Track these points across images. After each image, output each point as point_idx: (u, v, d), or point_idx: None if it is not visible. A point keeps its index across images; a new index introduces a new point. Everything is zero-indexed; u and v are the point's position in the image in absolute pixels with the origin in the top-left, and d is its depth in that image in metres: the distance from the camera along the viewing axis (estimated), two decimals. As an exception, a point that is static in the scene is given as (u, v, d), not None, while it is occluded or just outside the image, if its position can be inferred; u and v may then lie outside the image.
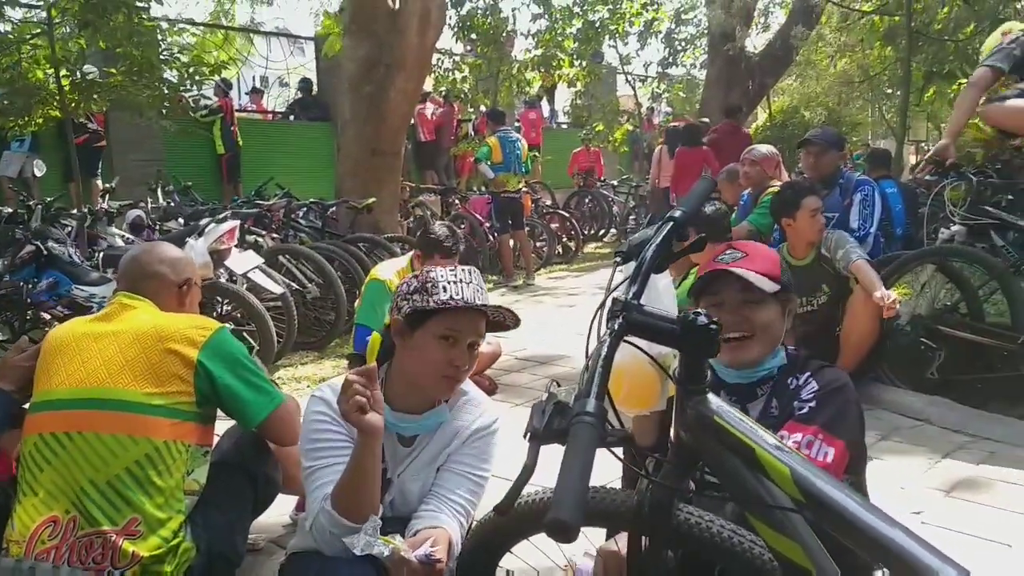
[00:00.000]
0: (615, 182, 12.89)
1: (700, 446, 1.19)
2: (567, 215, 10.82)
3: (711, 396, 1.19)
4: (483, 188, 9.76)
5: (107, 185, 7.04)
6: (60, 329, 2.15)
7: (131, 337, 2.00)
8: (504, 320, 1.85)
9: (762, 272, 1.74)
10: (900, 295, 4.85)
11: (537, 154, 11.81)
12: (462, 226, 9.24)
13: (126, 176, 8.87)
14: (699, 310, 1.15)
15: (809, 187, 4.08)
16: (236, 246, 5.23)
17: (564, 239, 10.60)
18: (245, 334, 4.98)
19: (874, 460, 3.24)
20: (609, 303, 1.18)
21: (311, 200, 7.07)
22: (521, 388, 4.54)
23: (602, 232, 12.24)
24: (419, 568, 1.53)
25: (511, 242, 8.72)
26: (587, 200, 12.14)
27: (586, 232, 11.66)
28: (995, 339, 3.82)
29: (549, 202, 11.74)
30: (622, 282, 1.24)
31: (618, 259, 1.33)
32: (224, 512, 2.11)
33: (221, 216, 4.77)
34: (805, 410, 1.67)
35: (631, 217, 11.92)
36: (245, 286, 5.00)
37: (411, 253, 4.26)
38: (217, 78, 9.23)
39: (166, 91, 7.14)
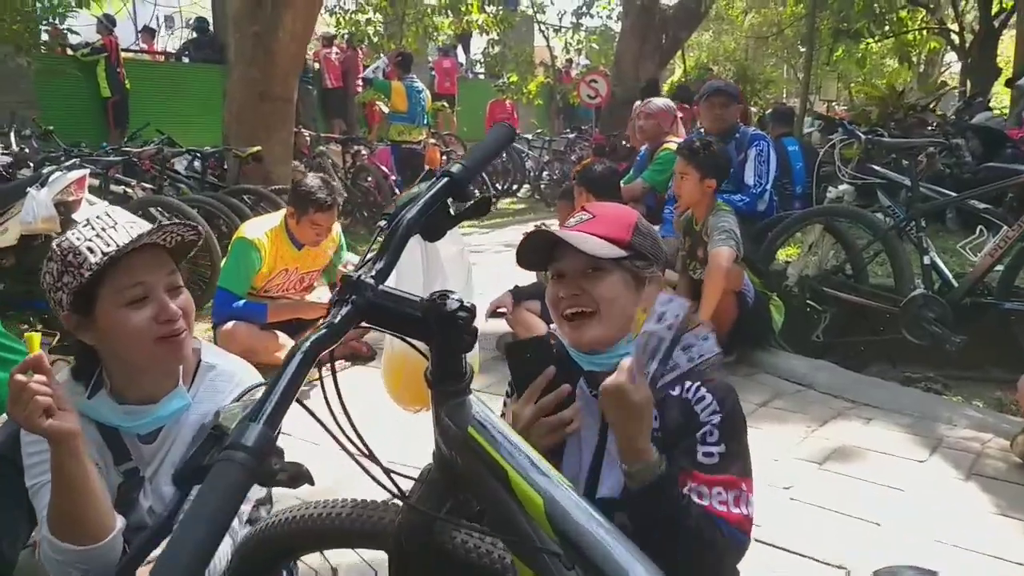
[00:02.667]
0: (529, 136, 12.58)
1: (459, 462, 0.95)
2: (478, 169, 10.47)
3: (472, 400, 0.95)
4: (390, 140, 9.33)
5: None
6: None
7: None
8: (189, 235, 1.47)
9: (604, 235, 1.42)
10: (790, 254, 4.77)
11: (445, 104, 11.38)
12: (368, 180, 8.83)
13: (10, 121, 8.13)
14: (449, 291, 0.90)
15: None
16: (103, 198, 4.78)
17: (477, 194, 10.25)
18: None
19: (751, 429, 3.11)
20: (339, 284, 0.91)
21: (188, 148, 6.53)
22: (402, 352, 4.26)
23: (515, 187, 11.94)
24: None
25: (414, 196, 8.33)
26: (502, 154, 11.81)
27: (498, 187, 11.37)
28: (878, 301, 3.75)
29: (462, 154, 11.39)
30: (374, 256, 0.98)
31: (383, 223, 1.06)
32: None
33: (68, 164, 4.29)
34: (716, 458, 1.35)
35: (544, 172, 11.68)
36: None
37: (283, 211, 3.89)
38: (97, 13, 8.52)
39: (27, 25, 6.49)
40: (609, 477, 1.40)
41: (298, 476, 0.73)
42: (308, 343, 0.82)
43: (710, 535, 1.31)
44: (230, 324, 3.64)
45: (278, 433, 0.75)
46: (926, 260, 3.61)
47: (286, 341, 3.79)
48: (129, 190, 5.65)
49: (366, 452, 0.96)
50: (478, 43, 15.74)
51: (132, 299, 1.41)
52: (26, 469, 1.46)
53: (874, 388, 3.53)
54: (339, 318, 0.87)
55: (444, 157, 10.40)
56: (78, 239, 1.40)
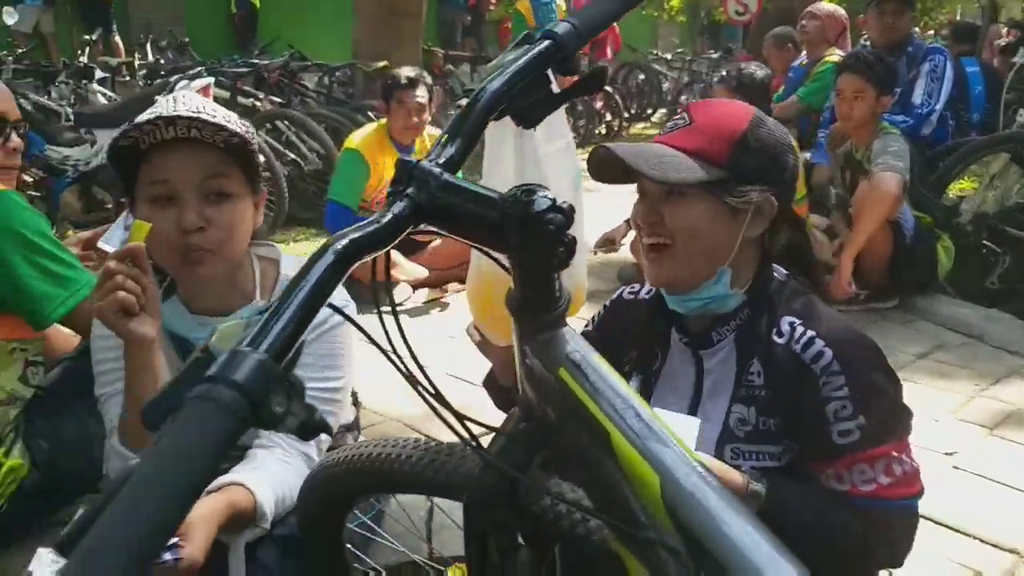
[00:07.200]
0: (669, 55, 11.87)
1: (548, 412, 0.72)
2: (611, 90, 9.98)
3: (567, 333, 0.71)
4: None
5: (88, 37, 6.55)
6: None
7: None
8: (238, 135, 1.23)
9: (695, 149, 1.12)
10: (964, 188, 4.19)
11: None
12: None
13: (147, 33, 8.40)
14: (536, 185, 0.65)
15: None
16: (231, 110, 4.78)
17: (608, 117, 9.83)
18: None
19: (908, 383, 2.74)
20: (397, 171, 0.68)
21: (316, 62, 6.46)
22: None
23: (650, 111, 11.35)
24: (155, 571, 1.04)
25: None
26: (639, 75, 11.20)
27: (632, 111, 10.83)
28: (1074, 244, 3.19)
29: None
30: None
31: (464, 101, 0.81)
32: (78, 417, 1.74)
33: (193, 72, 4.28)
34: (856, 434, 1.09)
35: (683, 96, 11.00)
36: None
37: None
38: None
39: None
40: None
41: (309, 425, 0.51)
42: (343, 242, 0.59)
43: (843, 520, 1.09)
44: (345, 239, 3.57)
45: (289, 364, 0.53)
46: None
47: (400, 260, 3.67)
48: (257, 103, 5.67)
49: (432, 391, 0.75)
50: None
51: (155, 197, 1.25)
52: (95, 377, 1.35)
53: (1059, 345, 3.03)
54: (389, 216, 0.64)
55: (576, 79, 9.93)
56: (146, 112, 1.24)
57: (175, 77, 4.26)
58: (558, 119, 1.03)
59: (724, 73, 3.27)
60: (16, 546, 1.72)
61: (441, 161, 0.70)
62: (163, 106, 1.23)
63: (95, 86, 5.23)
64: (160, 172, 1.23)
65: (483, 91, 0.75)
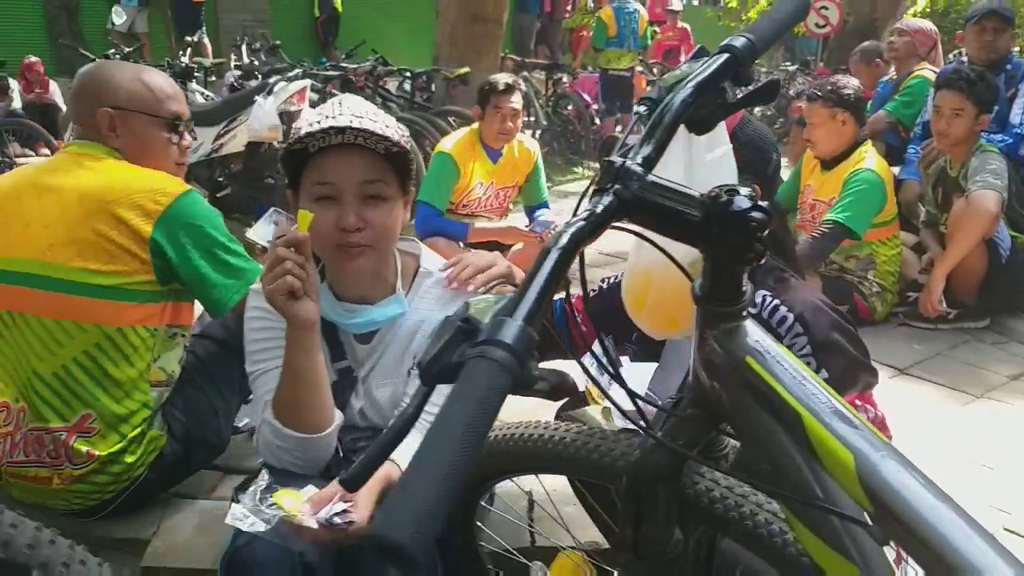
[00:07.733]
0: (742, 68, 11.77)
1: (724, 398, 0.78)
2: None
3: (749, 325, 0.77)
4: (599, 67, 9.02)
5: (190, 38, 6.85)
6: (2, 178, 1.85)
7: (75, 197, 1.66)
8: (399, 144, 1.32)
9: None
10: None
11: (657, 30, 10.85)
12: (568, 107, 8.63)
13: (232, 35, 8.71)
14: (739, 187, 0.72)
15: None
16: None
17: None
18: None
19: (1000, 404, 2.72)
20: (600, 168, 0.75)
21: (400, 67, 6.62)
22: (599, 283, 4.10)
23: (722, 122, 11.26)
24: (325, 533, 1.16)
25: (617, 127, 8.06)
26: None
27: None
28: None
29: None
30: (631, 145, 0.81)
31: (642, 108, 0.88)
32: (205, 394, 1.87)
33: (291, 75, 4.45)
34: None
35: (756, 108, 10.89)
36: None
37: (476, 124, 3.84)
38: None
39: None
40: None
41: (561, 387, 0.59)
42: (567, 236, 0.66)
43: None
44: (433, 239, 3.66)
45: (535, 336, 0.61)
46: None
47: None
48: (345, 105, 5.84)
49: (612, 372, 0.81)
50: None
51: (319, 196, 1.35)
52: (247, 355, 1.46)
53: None
54: (600, 208, 0.71)
55: (649, 87, 9.95)
56: (310, 115, 1.36)
57: (274, 79, 4.43)
58: (720, 128, 1.09)
59: (818, 91, 3.23)
60: (146, 509, 1.84)
61: (640, 161, 0.77)
62: (329, 110, 1.33)
63: (194, 85, 5.46)
64: (325, 174, 1.33)
65: (672, 101, 0.82)
